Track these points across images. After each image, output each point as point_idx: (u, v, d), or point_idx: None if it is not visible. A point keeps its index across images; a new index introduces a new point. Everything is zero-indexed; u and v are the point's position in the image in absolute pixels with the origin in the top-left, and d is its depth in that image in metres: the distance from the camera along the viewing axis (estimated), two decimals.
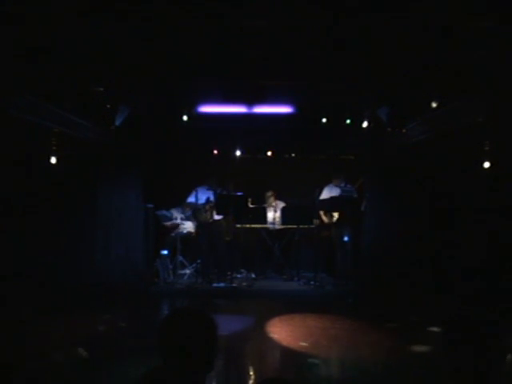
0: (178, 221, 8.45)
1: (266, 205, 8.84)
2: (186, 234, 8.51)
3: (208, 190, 8.35)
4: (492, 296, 5.86)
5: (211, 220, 8.29)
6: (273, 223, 8.64)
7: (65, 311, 6.16)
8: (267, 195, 8.90)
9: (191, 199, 8.39)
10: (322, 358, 4.64)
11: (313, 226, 8.28)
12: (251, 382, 4.23)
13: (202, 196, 8.33)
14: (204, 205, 8.27)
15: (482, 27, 4.19)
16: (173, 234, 8.42)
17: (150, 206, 8.29)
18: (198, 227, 8.48)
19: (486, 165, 6.06)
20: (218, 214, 8.25)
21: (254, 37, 4.78)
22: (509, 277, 5.82)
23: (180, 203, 8.66)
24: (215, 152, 9.45)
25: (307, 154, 9.52)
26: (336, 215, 8.34)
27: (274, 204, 8.76)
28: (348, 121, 7.56)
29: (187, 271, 8.36)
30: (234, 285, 7.77)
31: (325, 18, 4.40)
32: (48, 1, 3.97)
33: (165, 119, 7.63)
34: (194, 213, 8.41)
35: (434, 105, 5.95)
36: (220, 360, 4.34)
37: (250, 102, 6.75)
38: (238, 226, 8.26)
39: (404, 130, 7.00)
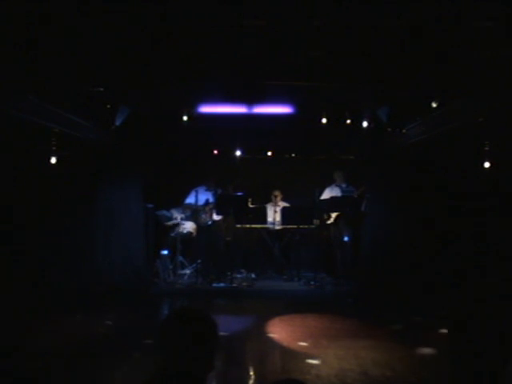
0: (178, 221, 8.45)
1: (270, 203, 8.85)
2: (186, 233, 8.50)
3: (207, 190, 8.37)
4: (492, 296, 5.86)
5: (210, 222, 8.31)
6: (273, 223, 8.65)
7: (65, 311, 6.16)
8: (274, 194, 8.91)
9: (190, 200, 8.40)
10: (322, 358, 4.64)
11: (313, 226, 8.29)
12: (251, 382, 4.23)
13: (201, 197, 8.34)
14: (203, 206, 8.28)
15: (481, 27, 4.19)
16: (173, 234, 8.42)
17: (150, 206, 8.30)
18: (198, 228, 8.48)
19: (486, 165, 6.06)
20: (218, 214, 8.26)
21: (253, 37, 4.78)
22: (509, 275, 5.81)
23: (180, 203, 8.67)
24: (215, 152, 9.46)
25: (307, 154, 9.53)
26: (333, 215, 8.36)
27: (279, 204, 8.77)
28: (348, 121, 7.56)
29: (187, 271, 8.36)
30: (234, 285, 7.77)
31: (325, 17, 4.41)
32: (48, 0, 3.97)
33: (165, 119, 7.63)
34: (194, 214, 8.42)
35: (434, 105, 5.95)
36: (220, 360, 4.34)
37: (250, 102, 6.74)
38: (238, 226, 8.26)
39: (404, 130, 7.01)
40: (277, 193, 8.91)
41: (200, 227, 8.39)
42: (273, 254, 8.73)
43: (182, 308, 4.61)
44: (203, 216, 8.31)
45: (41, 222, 6.83)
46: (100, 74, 5.64)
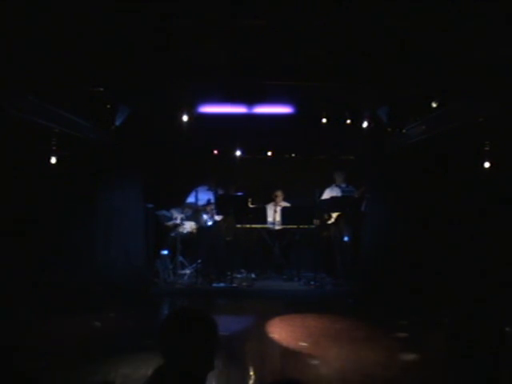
0: (178, 221, 8.46)
1: (272, 203, 8.85)
2: (186, 234, 8.50)
3: (208, 190, 8.37)
4: (492, 296, 5.86)
5: (211, 222, 8.33)
6: (273, 223, 8.65)
7: (65, 311, 6.15)
8: (275, 194, 8.91)
9: (192, 199, 8.41)
10: (322, 358, 4.63)
11: (313, 226, 8.29)
12: (251, 382, 4.23)
13: (202, 196, 8.35)
14: (205, 206, 8.29)
15: (481, 27, 4.19)
16: (173, 234, 8.42)
17: (150, 206, 8.30)
18: (199, 228, 8.49)
19: (486, 165, 6.06)
20: (218, 214, 8.27)
21: (253, 37, 4.78)
22: (509, 275, 5.82)
23: (180, 203, 8.68)
24: (215, 152, 9.47)
25: (307, 155, 9.53)
26: (334, 215, 8.36)
27: (281, 204, 8.77)
28: (348, 121, 7.56)
29: (187, 271, 8.36)
30: (234, 285, 7.77)
31: (325, 17, 4.41)
32: (49, 0, 3.97)
33: (165, 119, 7.63)
34: (195, 214, 8.44)
35: (434, 105, 5.95)
36: (220, 360, 4.33)
37: (250, 102, 6.75)
38: (238, 226, 8.27)
39: (404, 130, 7.00)
40: (278, 193, 8.91)
41: (201, 227, 8.39)
42: (273, 254, 8.73)
43: (182, 308, 4.61)
44: (205, 216, 8.33)
45: (41, 221, 6.83)
46: (100, 74, 5.64)
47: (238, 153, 8.89)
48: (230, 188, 8.61)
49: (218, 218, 8.37)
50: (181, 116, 7.20)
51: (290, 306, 6.95)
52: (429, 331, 5.61)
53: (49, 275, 6.69)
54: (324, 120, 7.44)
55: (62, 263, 7.00)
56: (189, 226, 8.55)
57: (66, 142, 6.60)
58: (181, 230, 8.43)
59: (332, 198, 8.23)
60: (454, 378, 4.29)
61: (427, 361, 4.66)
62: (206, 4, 4.18)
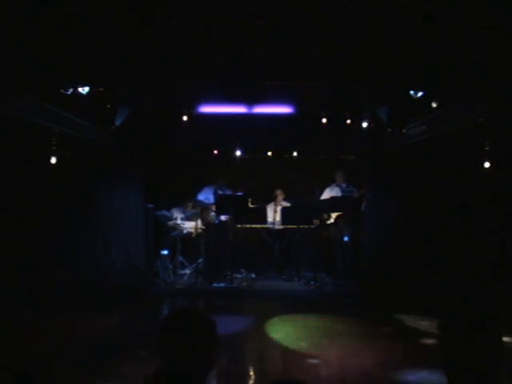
0: (178, 221, 8.46)
1: (272, 203, 8.84)
2: (186, 234, 8.51)
3: (218, 189, 8.37)
4: (492, 296, 5.86)
5: (217, 221, 8.35)
6: (273, 223, 8.64)
7: (65, 311, 6.15)
8: (276, 193, 8.90)
9: (201, 197, 8.44)
10: (322, 357, 4.63)
11: (313, 226, 8.29)
12: (251, 381, 4.23)
13: (210, 196, 8.37)
14: (212, 205, 8.31)
15: (482, 27, 4.19)
16: (173, 234, 8.42)
17: (150, 206, 8.30)
18: (208, 225, 8.48)
19: (486, 165, 6.06)
20: (218, 214, 8.28)
21: (254, 37, 4.78)
22: (509, 274, 5.81)
23: (180, 202, 8.69)
24: (215, 152, 9.48)
25: (307, 154, 9.54)
26: (333, 215, 8.36)
27: (281, 203, 8.77)
28: (348, 121, 7.56)
29: (187, 271, 8.36)
30: (234, 285, 7.77)
31: (325, 17, 4.41)
32: (48, 1, 3.97)
33: (165, 119, 7.63)
34: (202, 212, 8.44)
35: (434, 105, 5.95)
36: (220, 360, 4.33)
37: (250, 102, 6.75)
38: (238, 226, 8.27)
39: (404, 130, 7.00)
40: (278, 192, 8.91)
41: (208, 226, 8.41)
42: (273, 254, 8.73)
43: (181, 308, 4.61)
44: (212, 215, 8.36)
45: (41, 222, 6.82)
46: (100, 73, 5.64)
47: (238, 153, 8.89)
48: (239, 189, 8.62)
49: (223, 218, 8.40)
50: (181, 116, 7.20)
51: (290, 305, 6.95)
52: (429, 331, 5.60)
53: (49, 275, 6.69)
54: (324, 120, 7.44)
55: (62, 263, 7.00)
56: (189, 226, 8.56)
57: (66, 142, 6.60)
58: (181, 229, 8.43)
59: (332, 198, 8.22)
60: (454, 378, 4.29)
61: (428, 360, 4.66)
62: (206, 4, 4.18)
